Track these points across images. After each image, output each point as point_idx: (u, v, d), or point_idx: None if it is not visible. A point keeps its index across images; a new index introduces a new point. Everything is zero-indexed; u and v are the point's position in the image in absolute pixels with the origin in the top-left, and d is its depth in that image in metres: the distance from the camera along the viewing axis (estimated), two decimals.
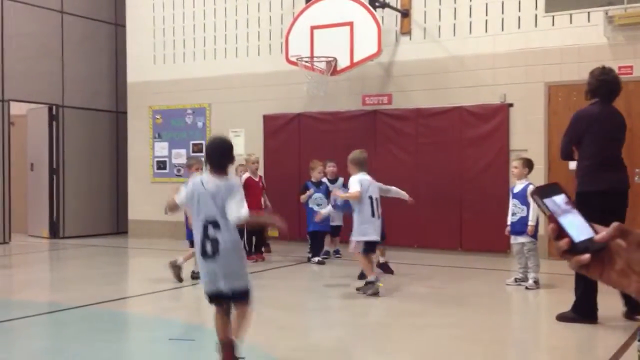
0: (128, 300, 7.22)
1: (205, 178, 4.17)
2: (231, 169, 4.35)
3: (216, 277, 4.15)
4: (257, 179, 10.10)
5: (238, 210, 4.00)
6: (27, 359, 5.00)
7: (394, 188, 8.13)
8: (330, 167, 10.02)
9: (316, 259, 9.64)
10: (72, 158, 13.34)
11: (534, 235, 7.59)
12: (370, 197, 7.19)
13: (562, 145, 6.07)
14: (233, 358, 4.16)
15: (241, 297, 4.19)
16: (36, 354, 5.10)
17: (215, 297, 4.25)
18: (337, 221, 9.96)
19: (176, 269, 7.75)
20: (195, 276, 7.72)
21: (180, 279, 7.76)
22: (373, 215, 7.18)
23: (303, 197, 9.78)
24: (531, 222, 7.52)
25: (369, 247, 7.17)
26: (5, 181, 12.27)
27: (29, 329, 5.95)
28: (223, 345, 4.23)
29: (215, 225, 4.08)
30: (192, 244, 7.98)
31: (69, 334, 5.77)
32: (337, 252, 10.18)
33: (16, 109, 12.92)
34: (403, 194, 8.10)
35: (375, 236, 7.19)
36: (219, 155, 4.20)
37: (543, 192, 1.34)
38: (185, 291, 7.66)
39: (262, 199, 10.02)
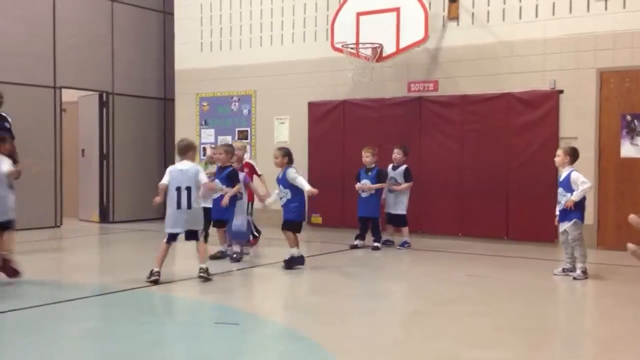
0: (174, 284, 7.34)
1: None
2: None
3: None
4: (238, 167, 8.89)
5: (2, 167, 6.88)
6: (77, 338, 5.13)
7: (299, 178, 7.88)
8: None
9: (377, 244, 9.56)
10: (121, 144, 13.60)
11: (578, 215, 7.40)
12: (178, 188, 7.02)
13: None
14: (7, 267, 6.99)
15: (6, 225, 6.99)
16: (85, 334, 5.23)
17: None
18: (392, 209, 9.80)
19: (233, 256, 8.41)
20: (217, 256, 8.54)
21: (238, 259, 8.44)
22: (179, 207, 7.03)
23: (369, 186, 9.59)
24: (573, 198, 7.35)
25: (170, 238, 7.13)
26: (57, 166, 12.59)
27: (79, 310, 6.11)
28: (4, 258, 7.05)
29: None
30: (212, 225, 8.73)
31: (117, 315, 5.91)
32: (403, 243, 9.75)
33: (68, 96, 13.21)
34: (305, 186, 7.78)
35: (177, 229, 7.09)
36: None
37: None
38: (230, 275, 7.76)
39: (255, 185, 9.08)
